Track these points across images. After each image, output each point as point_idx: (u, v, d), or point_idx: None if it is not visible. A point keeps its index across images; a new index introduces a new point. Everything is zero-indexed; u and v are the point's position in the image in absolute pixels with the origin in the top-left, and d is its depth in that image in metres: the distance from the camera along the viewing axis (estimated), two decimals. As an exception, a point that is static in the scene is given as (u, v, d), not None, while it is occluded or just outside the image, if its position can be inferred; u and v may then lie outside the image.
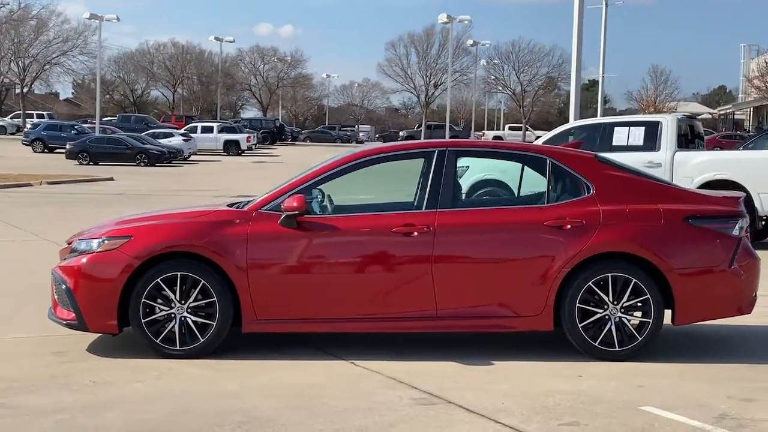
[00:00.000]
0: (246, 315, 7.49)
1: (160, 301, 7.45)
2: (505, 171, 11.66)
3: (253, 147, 59.93)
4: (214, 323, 7.44)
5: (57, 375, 6.95)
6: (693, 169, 16.22)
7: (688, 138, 17.68)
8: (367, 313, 7.56)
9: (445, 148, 7.92)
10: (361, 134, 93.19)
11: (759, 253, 8.08)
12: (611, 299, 7.51)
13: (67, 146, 45.87)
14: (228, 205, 8.09)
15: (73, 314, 7.52)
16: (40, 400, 6.29)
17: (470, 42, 79.94)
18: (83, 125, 59.30)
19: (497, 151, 9.12)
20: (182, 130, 57.89)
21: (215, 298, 7.41)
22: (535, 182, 8.04)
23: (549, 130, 24.11)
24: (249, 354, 7.60)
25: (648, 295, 7.50)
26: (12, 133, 71.29)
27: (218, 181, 33.45)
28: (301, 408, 6.16)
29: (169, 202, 20.20)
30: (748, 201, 15.75)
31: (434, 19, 65.41)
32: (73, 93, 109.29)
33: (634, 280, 7.50)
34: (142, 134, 51.46)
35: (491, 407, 6.22)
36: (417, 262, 7.52)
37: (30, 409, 6.07)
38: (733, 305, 7.80)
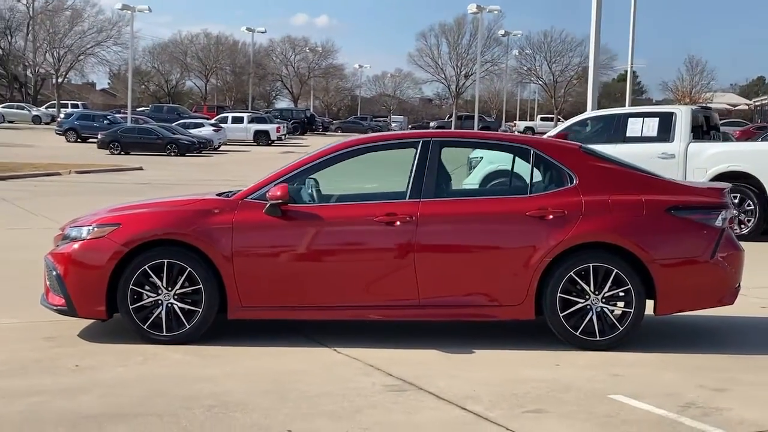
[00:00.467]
0: (231, 302, 7.62)
1: (147, 287, 7.60)
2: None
3: (283, 137, 60.20)
4: (200, 310, 7.58)
5: (42, 359, 7.12)
6: (707, 161, 16.16)
7: (704, 129, 17.61)
8: (349, 301, 7.66)
9: (429, 139, 8.00)
10: (393, 124, 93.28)
11: None
12: (593, 289, 7.56)
13: (99, 136, 46.44)
14: (217, 194, 8.22)
15: (63, 300, 7.70)
16: (19, 382, 6.44)
17: (501, 32, 79.85)
18: (115, 115, 59.95)
19: (482, 142, 9.16)
20: (212, 121, 58.29)
21: (201, 285, 7.55)
22: (519, 173, 8.10)
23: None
24: (235, 341, 7.73)
25: (629, 286, 7.54)
26: (47, 123, 72.11)
27: (245, 170, 33.60)
28: (272, 393, 6.28)
29: (194, 192, 20.37)
30: (762, 193, 15.73)
31: (465, 9, 65.21)
32: (109, 83, 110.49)
33: (615, 270, 7.54)
34: (173, 124, 51.95)
35: (461, 394, 6.31)
36: (399, 251, 7.60)
37: (6, 391, 6.22)
38: (715, 296, 7.82)
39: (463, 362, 7.27)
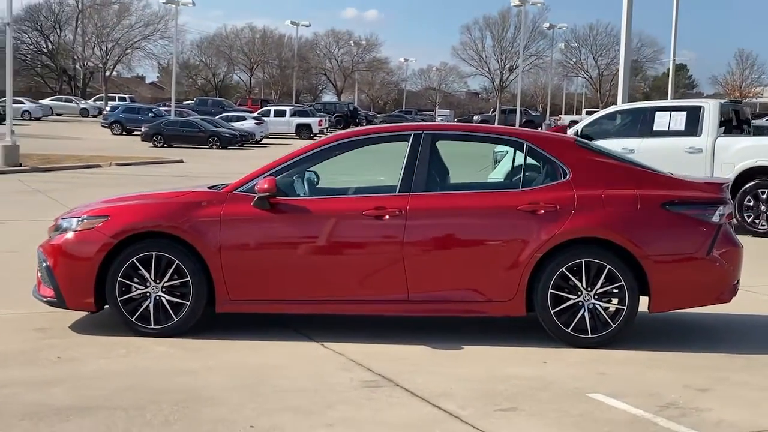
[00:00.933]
0: (219, 295, 7.58)
1: (136, 280, 7.59)
2: None
3: (325, 130, 60.20)
4: (188, 303, 7.55)
5: (27, 351, 7.14)
6: (735, 155, 15.82)
7: (733, 123, 17.25)
8: (338, 295, 7.59)
9: (420, 132, 7.89)
10: (439, 118, 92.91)
11: None
12: (585, 285, 7.41)
13: (143, 129, 46.85)
14: (209, 187, 8.18)
15: (53, 292, 7.72)
16: (-5, 374, 6.47)
17: (546, 25, 79.18)
18: (160, 108, 60.44)
19: (475, 135, 9.01)
20: (255, 114, 58.54)
21: (189, 278, 7.53)
22: (512, 166, 7.96)
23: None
24: (222, 334, 7.69)
25: (622, 282, 7.37)
26: (94, 116, 72.95)
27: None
28: (246, 388, 6.22)
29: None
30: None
31: (509, 2, 64.71)
32: (158, 77, 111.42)
33: (608, 266, 7.38)
34: (216, 117, 52.25)
35: (437, 391, 6.20)
36: (388, 245, 7.51)
37: (-21, 382, 6.25)
38: (712, 294, 7.62)
39: (448, 358, 7.16)
